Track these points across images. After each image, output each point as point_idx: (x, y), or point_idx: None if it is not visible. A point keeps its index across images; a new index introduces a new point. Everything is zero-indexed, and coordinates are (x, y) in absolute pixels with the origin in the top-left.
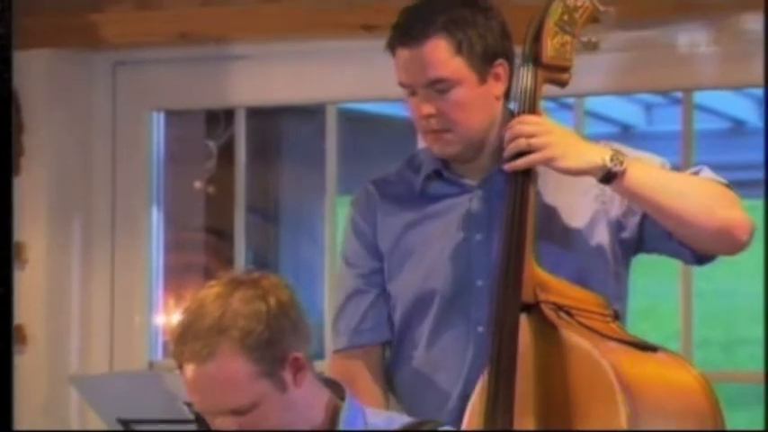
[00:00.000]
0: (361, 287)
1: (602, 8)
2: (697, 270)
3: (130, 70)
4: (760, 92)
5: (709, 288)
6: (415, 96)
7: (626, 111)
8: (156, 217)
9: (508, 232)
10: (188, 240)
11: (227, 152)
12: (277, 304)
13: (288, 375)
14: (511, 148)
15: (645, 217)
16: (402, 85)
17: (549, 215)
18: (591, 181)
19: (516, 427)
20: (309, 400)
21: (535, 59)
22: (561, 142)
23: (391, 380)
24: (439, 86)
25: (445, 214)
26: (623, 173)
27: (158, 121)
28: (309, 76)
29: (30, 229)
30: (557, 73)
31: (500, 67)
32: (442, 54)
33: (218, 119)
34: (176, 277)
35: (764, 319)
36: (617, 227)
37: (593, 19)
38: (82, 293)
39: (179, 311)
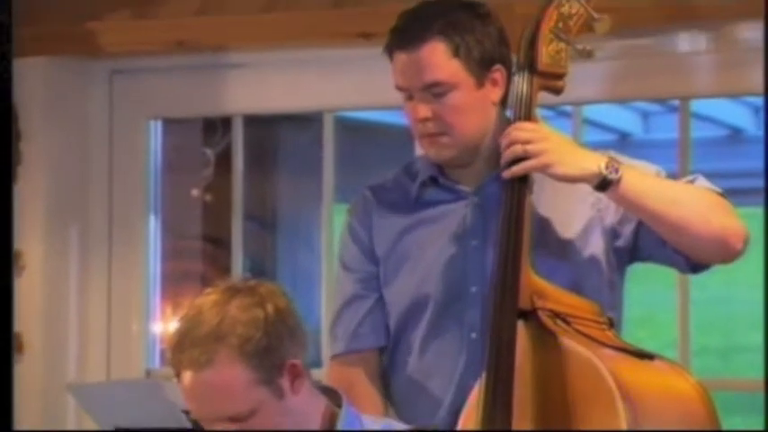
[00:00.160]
0: (359, 292)
1: (596, 16)
2: (694, 278)
3: (128, 78)
4: (757, 100)
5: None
6: (411, 100)
7: (623, 119)
8: (154, 225)
9: (504, 239)
10: (185, 248)
11: (224, 160)
12: (275, 311)
13: (285, 382)
14: (507, 155)
15: (640, 225)
16: (399, 88)
17: (544, 226)
18: (587, 188)
19: None
20: (307, 407)
21: (530, 66)
22: (557, 149)
23: (387, 386)
24: (435, 90)
25: (441, 220)
26: (619, 180)
27: (155, 129)
28: (306, 84)
29: (27, 237)
30: (552, 80)
31: (497, 73)
32: (439, 57)
33: (216, 127)
34: (173, 285)
35: (764, 326)
36: (612, 235)
37: (588, 27)
38: (79, 301)
39: (176, 319)
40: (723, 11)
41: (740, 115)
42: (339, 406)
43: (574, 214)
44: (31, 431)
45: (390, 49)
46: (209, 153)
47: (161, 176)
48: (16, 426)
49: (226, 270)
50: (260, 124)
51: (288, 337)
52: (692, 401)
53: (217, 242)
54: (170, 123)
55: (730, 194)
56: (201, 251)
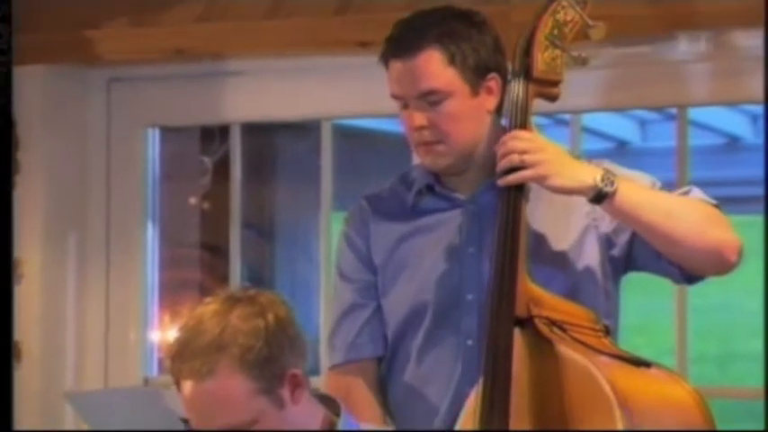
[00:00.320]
0: (357, 301)
1: (591, 23)
2: (692, 286)
3: (125, 86)
4: (755, 108)
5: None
6: (407, 108)
7: (621, 127)
8: (152, 233)
9: (501, 247)
10: (183, 257)
11: (222, 168)
12: (275, 321)
13: (286, 392)
14: (503, 164)
15: (634, 235)
16: (395, 96)
17: (539, 237)
18: (582, 198)
19: None
20: (306, 416)
21: (526, 74)
22: (553, 160)
23: (385, 394)
24: (431, 98)
25: (437, 228)
26: (614, 193)
27: (153, 138)
28: (305, 92)
29: (25, 245)
30: (547, 87)
31: (492, 81)
32: (434, 66)
33: (214, 135)
34: (171, 293)
35: (764, 333)
36: (607, 243)
37: (584, 34)
38: (77, 309)
39: (175, 328)
40: (720, 19)
41: (738, 123)
42: (337, 415)
43: (569, 224)
44: None
45: (386, 58)
46: (207, 161)
47: (159, 184)
48: None
49: (224, 278)
50: (258, 132)
51: (288, 346)
52: (688, 409)
53: (215, 250)
54: (168, 131)
55: (728, 203)
56: (199, 259)
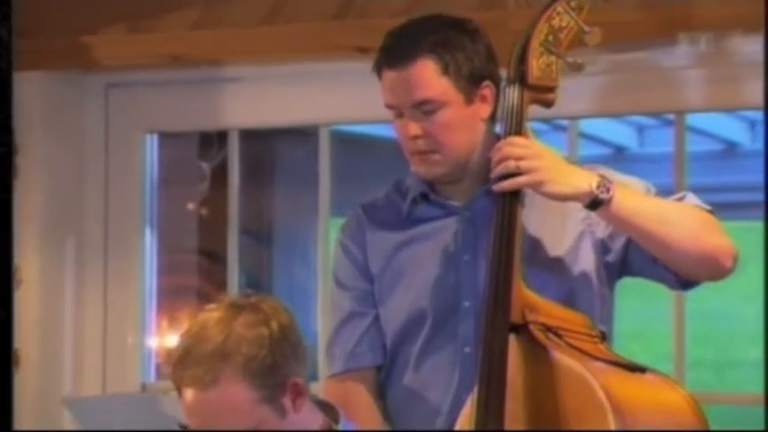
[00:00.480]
0: (356, 309)
1: (587, 29)
2: (689, 292)
3: (123, 92)
4: (752, 114)
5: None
6: (401, 118)
7: (619, 133)
8: (149, 239)
9: (496, 253)
10: (181, 262)
11: (220, 174)
12: (279, 329)
13: (287, 401)
14: (499, 170)
15: (630, 241)
16: (389, 106)
17: (535, 243)
18: (577, 204)
19: None
20: (306, 424)
21: (521, 80)
22: (549, 167)
23: (384, 402)
24: (426, 107)
25: (433, 236)
26: (610, 200)
27: (151, 143)
28: (303, 98)
29: (23, 251)
30: (543, 93)
31: (486, 89)
32: (429, 75)
33: (212, 141)
34: (169, 299)
35: (764, 339)
36: (602, 249)
37: (579, 40)
38: (75, 315)
39: (173, 333)
40: (717, 24)
41: (736, 129)
42: (336, 421)
43: (564, 230)
44: None
45: (379, 68)
46: (205, 167)
47: (157, 190)
48: None
49: (221, 284)
50: (256, 138)
51: (291, 355)
52: (683, 414)
53: (212, 256)
54: (166, 137)
55: (726, 208)
56: (197, 265)
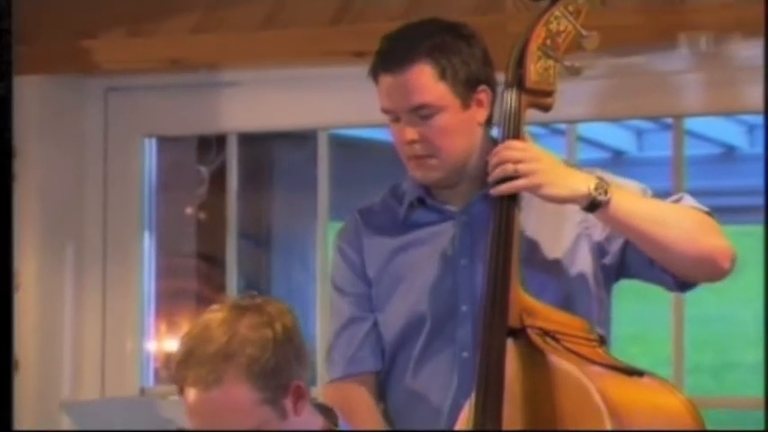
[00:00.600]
0: (356, 314)
1: (585, 33)
2: (688, 296)
3: (122, 96)
4: (751, 118)
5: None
6: (398, 122)
7: (617, 137)
8: (148, 243)
9: (494, 257)
10: (180, 266)
11: (218, 178)
12: (283, 331)
13: (289, 403)
14: (497, 173)
15: (627, 243)
16: (385, 111)
17: (532, 246)
18: (575, 206)
19: None
20: (306, 427)
21: (519, 84)
22: (548, 170)
23: (383, 406)
24: (423, 112)
25: (430, 241)
26: (608, 202)
27: (150, 147)
28: (301, 101)
29: (21, 254)
30: (540, 97)
31: (483, 94)
32: (426, 80)
33: (210, 145)
34: (168, 303)
35: (765, 343)
36: (599, 252)
37: (577, 43)
38: (73, 319)
39: (172, 338)
40: (716, 28)
41: (734, 133)
42: (335, 424)
43: (561, 233)
44: None
45: (376, 72)
46: (204, 171)
47: (155, 194)
48: None
49: (220, 288)
50: (254, 142)
51: (294, 357)
52: (681, 418)
53: (211, 260)
54: (165, 141)
55: (724, 212)
56: (196, 269)
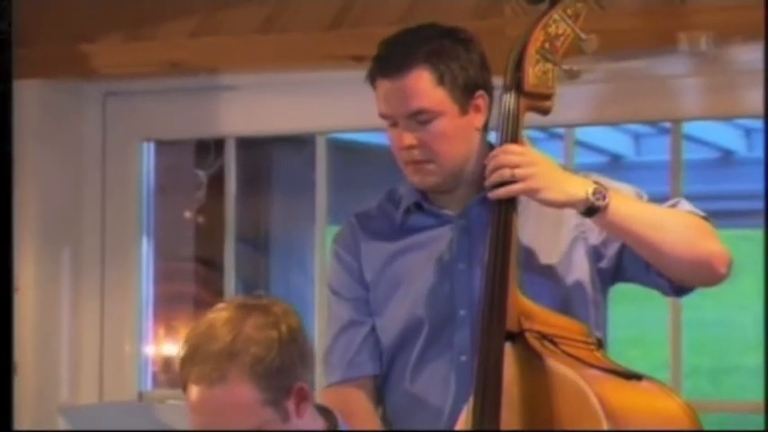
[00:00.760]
0: (354, 318)
1: (583, 36)
2: (686, 299)
3: (121, 100)
4: (749, 122)
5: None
6: (395, 127)
7: (615, 141)
8: (146, 247)
9: (492, 261)
10: (178, 270)
11: (217, 182)
12: (288, 332)
13: (291, 405)
14: (494, 178)
15: (623, 247)
16: (383, 116)
17: (529, 250)
18: (571, 210)
19: None
20: (307, 429)
21: (517, 87)
22: (545, 174)
23: (382, 411)
24: (421, 117)
25: (427, 245)
26: (606, 207)
27: (148, 151)
28: (299, 106)
29: (19, 259)
30: (539, 101)
31: (480, 99)
32: (424, 85)
33: (209, 149)
34: (166, 307)
35: (765, 346)
36: (595, 256)
37: (575, 47)
38: (71, 323)
39: (171, 342)
40: (714, 33)
41: (732, 137)
42: (335, 426)
43: (558, 237)
44: None
45: (373, 77)
46: (202, 175)
47: (154, 198)
48: None
49: (218, 292)
50: (253, 146)
51: (299, 359)
52: (679, 422)
53: (209, 264)
54: (163, 145)
55: (722, 216)
56: (194, 273)
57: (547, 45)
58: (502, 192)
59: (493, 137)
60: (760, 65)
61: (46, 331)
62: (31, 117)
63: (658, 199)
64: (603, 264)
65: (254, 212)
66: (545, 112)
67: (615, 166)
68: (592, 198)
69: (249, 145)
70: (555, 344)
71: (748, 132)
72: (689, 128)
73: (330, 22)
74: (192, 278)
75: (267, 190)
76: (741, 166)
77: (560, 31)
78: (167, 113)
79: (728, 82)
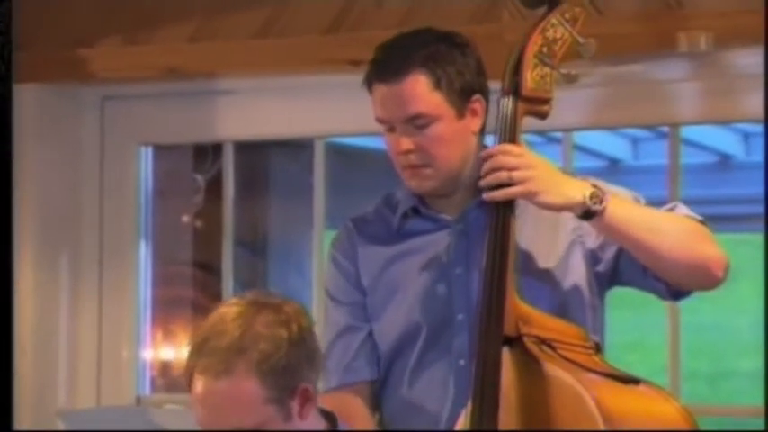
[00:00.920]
0: (351, 323)
1: (581, 40)
2: (684, 304)
3: (119, 105)
4: (747, 126)
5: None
6: (392, 132)
7: (613, 145)
8: (144, 251)
9: (490, 265)
10: (176, 274)
11: (215, 186)
12: (298, 332)
13: (295, 405)
14: (491, 179)
15: (620, 251)
16: (380, 120)
17: (527, 254)
18: (569, 214)
19: None
20: (309, 430)
21: (515, 91)
22: (543, 177)
23: (380, 416)
24: (418, 122)
25: (425, 250)
26: (603, 210)
27: (146, 156)
28: (297, 110)
29: (18, 263)
30: (537, 105)
31: (477, 103)
32: (421, 89)
33: (207, 153)
34: (164, 311)
35: (764, 350)
36: (592, 259)
37: (574, 51)
38: (69, 327)
39: (169, 346)
40: (713, 37)
41: (730, 142)
42: (335, 428)
43: (555, 241)
44: None
45: (370, 82)
46: (200, 179)
47: (152, 202)
48: None
49: (216, 296)
50: (251, 150)
51: (306, 360)
52: (677, 426)
53: (207, 268)
54: (161, 149)
55: (720, 221)
56: (192, 277)
57: (545, 49)
58: (499, 194)
59: (490, 141)
60: (758, 69)
61: (44, 335)
62: (30, 121)
63: (656, 203)
64: (601, 267)
65: (252, 216)
66: (543, 116)
67: (613, 170)
68: (589, 201)
69: (247, 149)
70: (553, 348)
71: (746, 137)
72: (687, 132)
73: (328, 26)
74: (191, 282)
75: (265, 194)
76: (739, 170)
77: (558, 36)
78: (165, 118)
79: (727, 86)
